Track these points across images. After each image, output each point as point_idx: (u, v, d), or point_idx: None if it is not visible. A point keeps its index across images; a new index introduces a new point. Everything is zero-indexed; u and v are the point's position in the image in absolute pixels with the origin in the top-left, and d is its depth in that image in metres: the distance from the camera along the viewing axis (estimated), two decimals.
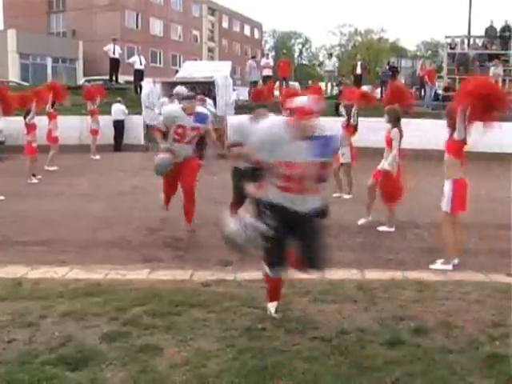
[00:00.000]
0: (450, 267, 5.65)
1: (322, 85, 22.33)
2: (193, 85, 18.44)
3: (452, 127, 5.65)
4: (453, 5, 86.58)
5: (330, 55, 26.58)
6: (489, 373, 3.34)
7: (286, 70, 22.25)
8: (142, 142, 17.13)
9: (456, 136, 5.59)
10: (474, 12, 36.54)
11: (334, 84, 23.14)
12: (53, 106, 13.19)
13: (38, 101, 11.72)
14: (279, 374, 3.28)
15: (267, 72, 22.03)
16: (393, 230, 7.31)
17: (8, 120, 14.30)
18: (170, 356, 3.53)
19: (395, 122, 7.31)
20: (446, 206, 5.74)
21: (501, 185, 9.84)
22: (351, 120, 9.53)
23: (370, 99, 10.65)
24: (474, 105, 5.35)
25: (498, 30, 21.16)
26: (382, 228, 7.38)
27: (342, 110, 10.24)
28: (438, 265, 5.73)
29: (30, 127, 11.53)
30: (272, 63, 23.17)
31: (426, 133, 13.87)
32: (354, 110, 9.48)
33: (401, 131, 7.29)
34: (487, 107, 5.36)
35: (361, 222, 7.54)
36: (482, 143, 14.00)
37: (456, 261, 5.83)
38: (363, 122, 10.51)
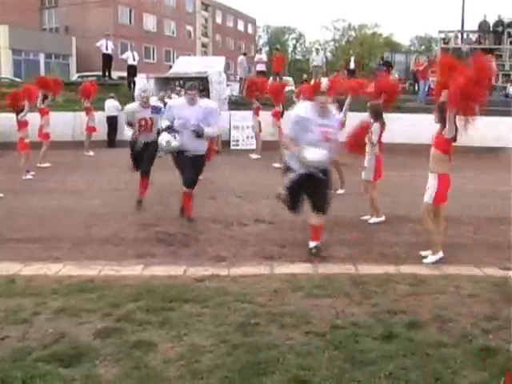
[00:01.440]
0: (440, 255, 5.71)
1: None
2: (186, 80, 18.48)
3: (442, 122, 5.66)
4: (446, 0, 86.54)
5: (318, 50, 26.57)
6: (482, 366, 3.36)
7: (280, 65, 22.23)
8: None
9: (446, 134, 5.60)
10: (467, 7, 36.54)
11: (326, 80, 23.08)
12: (44, 101, 13.09)
13: (29, 99, 11.63)
14: (273, 368, 3.28)
15: (261, 67, 22.00)
16: (383, 218, 7.37)
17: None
18: (163, 351, 3.52)
19: (376, 116, 7.44)
20: (428, 197, 5.78)
21: (498, 179, 9.91)
22: (341, 115, 9.39)
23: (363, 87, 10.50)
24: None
25: (491, 24, 21.20)
26: (372, 220, 7.41)
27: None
28: (429, 258, 5.76)
29: (22, 124, 11.45)
30: (265, 58, 23.14)
31: (420, 127, 13.86)
32: (347, 101, 9.37)
33: (382, 125, 7.40)
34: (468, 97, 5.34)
35: (366, 217, 7.58)
36: (483, 138, 14.23)
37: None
38: (353, 117, 10.43)
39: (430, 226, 5.85)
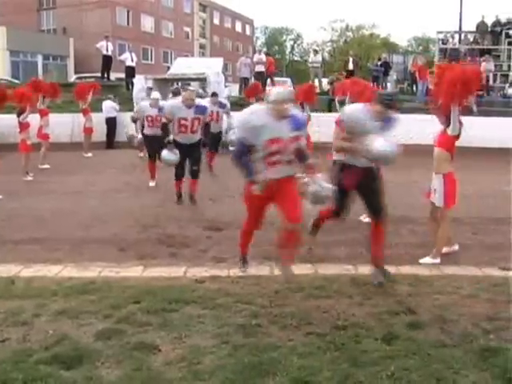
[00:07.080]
0: (438, 261, 5.69)
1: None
2: (184, 81, 18.50)
3: (446, 122, 5.67)
4: (444, 0, 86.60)
5: (316, 51, 26.64)
6: (483, 366, 3.36)
7: (271, 68, 22.47)
8: None
9: (450, 131, 5.61)
10: (465, 7, 36.51)
11: (326, 80, 23.14)
12: (43, 101, 13.04)
13: (30, 103, 11.62)
14: (275, 369, 3.28)
15: (260, 68, 22.05)
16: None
17: None
18: (165, 353, 3.52)
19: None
20: (439, 201, 5.76)
21: (497, 179, 9.92)
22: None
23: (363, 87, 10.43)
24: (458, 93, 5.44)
25: (489, 25, 21.23)
26: (366, 219, 7.37)
27: (337, 105, 10.15)
28: (427, 259, 5.76)
29: (23, 125, 11.44)
30: (265, 59, 23.18)
31: (418, 128, 13.89)
32: (346, 101, 9.34)
33: None
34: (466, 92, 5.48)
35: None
36: (481, 138, 14.25)
37: (456, 246, 6.10)
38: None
39: (446, 233, 5.86)
